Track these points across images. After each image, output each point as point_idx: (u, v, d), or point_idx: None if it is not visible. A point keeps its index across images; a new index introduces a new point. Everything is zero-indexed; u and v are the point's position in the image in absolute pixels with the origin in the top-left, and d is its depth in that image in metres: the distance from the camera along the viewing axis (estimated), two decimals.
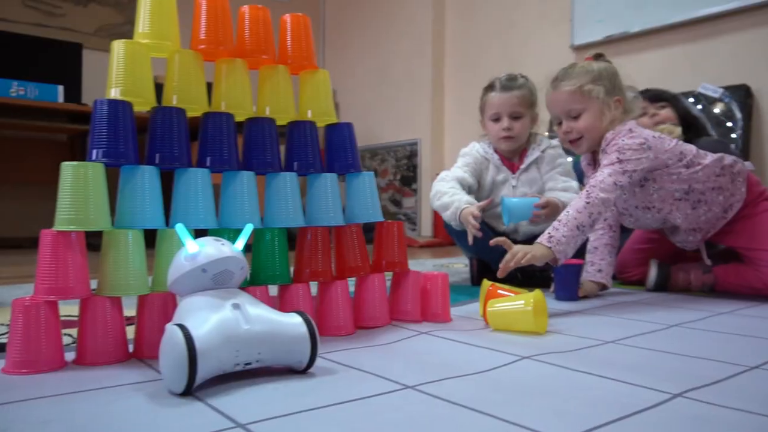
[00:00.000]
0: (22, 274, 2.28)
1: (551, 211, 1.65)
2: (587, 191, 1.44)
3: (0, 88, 3.23)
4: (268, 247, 1.07)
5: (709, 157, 1.59)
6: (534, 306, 1.12)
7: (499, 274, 1.32)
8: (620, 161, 1.48)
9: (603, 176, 1.46)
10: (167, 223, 0.98)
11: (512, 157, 1.93)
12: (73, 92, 3.71)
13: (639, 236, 1.89)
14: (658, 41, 3.46)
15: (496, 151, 1.92)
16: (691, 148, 1.60)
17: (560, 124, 1.62)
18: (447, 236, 4.51)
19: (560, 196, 1.75)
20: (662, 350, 1.00)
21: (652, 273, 1.72)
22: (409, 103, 4.82)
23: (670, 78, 3.35)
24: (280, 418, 0.66)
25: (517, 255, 1.31)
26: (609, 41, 3.64)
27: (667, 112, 2.12)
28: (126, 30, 4.37)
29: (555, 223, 1.41)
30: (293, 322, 0.83)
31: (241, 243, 0.89)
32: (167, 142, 0.99)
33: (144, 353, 0.92)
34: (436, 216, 4.57)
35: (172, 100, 1.02)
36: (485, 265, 1.85)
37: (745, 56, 3.12)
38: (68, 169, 0.87)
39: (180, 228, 0.85)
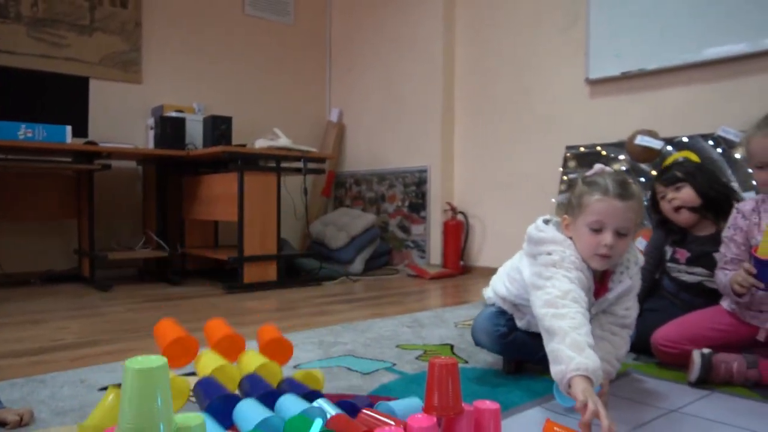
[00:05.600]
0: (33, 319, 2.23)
1: (607, 386, 1.50)
2: None
3: (7, 131, 3.17)
4: None
5: None
6: None
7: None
8: None
9: None
10: None
11: (596, 274, 1.58)
12: (81, 128, 3.65)
13: (711, 318, 1.85)
14: (676, 79, 3.41)
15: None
16: None
17: (761, 167, 1.67)
18: (457, 266, 4.50)
19: (608, 353, 1.55)
20: None
21: (696, 366, 1.69)
22: (418, 129, 4.77)
23: (688, 118, 3.32)
24: None
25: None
26: (625, 77, 3.60)
27: (686, 193, 2.02)
28: (132, 57, 4.31)
29: None
30: None
31: None
32: None
33: None
34: (446, 244, 4.53)
35: None
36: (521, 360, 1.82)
37: (766, 100, 3.07)
38: (131, 374, 0.82)
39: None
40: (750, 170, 1.73)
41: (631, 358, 1.98)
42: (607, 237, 1.47)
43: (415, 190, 4.78)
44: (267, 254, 3.68)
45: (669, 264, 2.10)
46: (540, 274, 1.50)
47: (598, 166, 1.58)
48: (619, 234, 1.48)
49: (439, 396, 1.17)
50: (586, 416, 1.19)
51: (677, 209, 2.04)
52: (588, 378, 1.27)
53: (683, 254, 2.05)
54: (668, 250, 2.11)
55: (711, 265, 1.94)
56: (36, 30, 3.93)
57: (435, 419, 1.15)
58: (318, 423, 0.86)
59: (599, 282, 1.59)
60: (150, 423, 0.80)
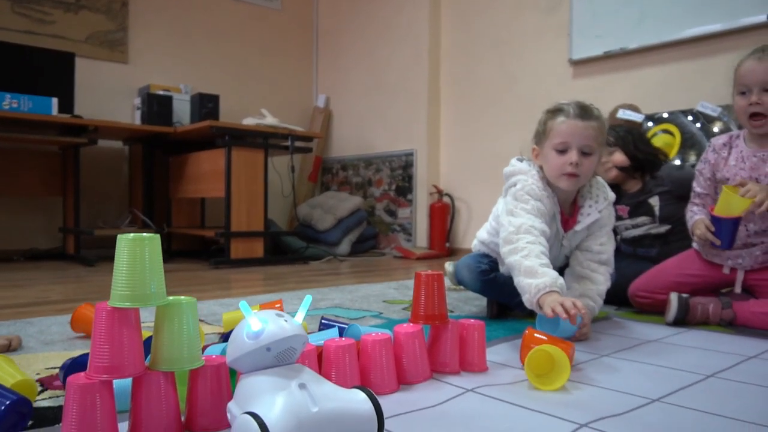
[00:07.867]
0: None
1: (589, 320, 1.56)
2: None
3: None
4: None
5: None
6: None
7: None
8: None
9: None
10: None
11: (565, 207, 1.66)
12: (66, 103, 3.64)
13: (682, 264, 1.91)
14: (657, 58, 3.48)
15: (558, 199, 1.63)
16: None
17: (743, 93, 1.68)
18: (443, 248, 4.54)
19: (589, 289, 1.62)
20: (709, 411, 1.00)
21: (673, 307, 1.74)
22: (404, 113, 4.80)
23: (668, 95, 3.39)
24: None
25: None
26: (607, 57, 3.67)
27: (617, 157, 2.16)
28: (118, 37, 4.30)
29: None
30: (358, 399, 0.82)
31: (301, 315, 0.87)
32: None
33: (197, 425, 0.90)
34: (432, 226, 4.58)
35: None
36: (503, 305, 1.86)
37: None
38: (124, 243, 0.84)
39: (243, 304, 0.83)
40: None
41: (613, 309, 2.03)
42: (573, 155, 1.53)
43: (401, 173, 4.81)
44: (254, 231, 3.69)
45: (616, 223, 2.18)
46: (506, 208, 1.59)
47: None
48: (584, 153, 1.54)
49: (426, 305, 1.20)
50: (559, 310, 1.29)
51: (607, 169, 2.17)
52: (552, 291, 1.35)
53: (624, 210, 2.20)
54: None
55: (650, 212, 2.13)
56: (21, 5, 3.91)
57: (421, 327, 1.19)
58: (308, 299, 0.89)
59: (569, 215, 1.67)
60: (142, 289, 0.83)
